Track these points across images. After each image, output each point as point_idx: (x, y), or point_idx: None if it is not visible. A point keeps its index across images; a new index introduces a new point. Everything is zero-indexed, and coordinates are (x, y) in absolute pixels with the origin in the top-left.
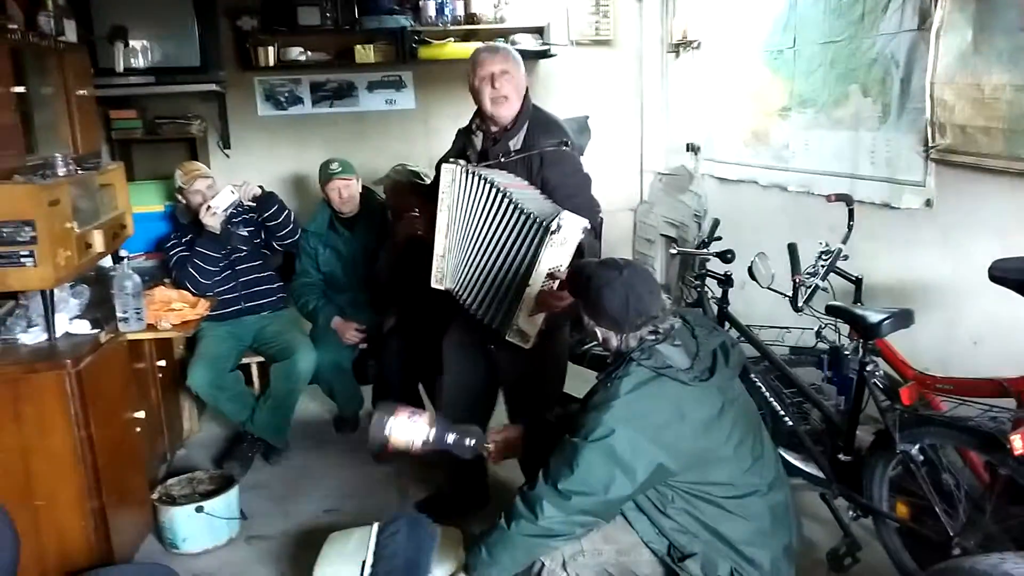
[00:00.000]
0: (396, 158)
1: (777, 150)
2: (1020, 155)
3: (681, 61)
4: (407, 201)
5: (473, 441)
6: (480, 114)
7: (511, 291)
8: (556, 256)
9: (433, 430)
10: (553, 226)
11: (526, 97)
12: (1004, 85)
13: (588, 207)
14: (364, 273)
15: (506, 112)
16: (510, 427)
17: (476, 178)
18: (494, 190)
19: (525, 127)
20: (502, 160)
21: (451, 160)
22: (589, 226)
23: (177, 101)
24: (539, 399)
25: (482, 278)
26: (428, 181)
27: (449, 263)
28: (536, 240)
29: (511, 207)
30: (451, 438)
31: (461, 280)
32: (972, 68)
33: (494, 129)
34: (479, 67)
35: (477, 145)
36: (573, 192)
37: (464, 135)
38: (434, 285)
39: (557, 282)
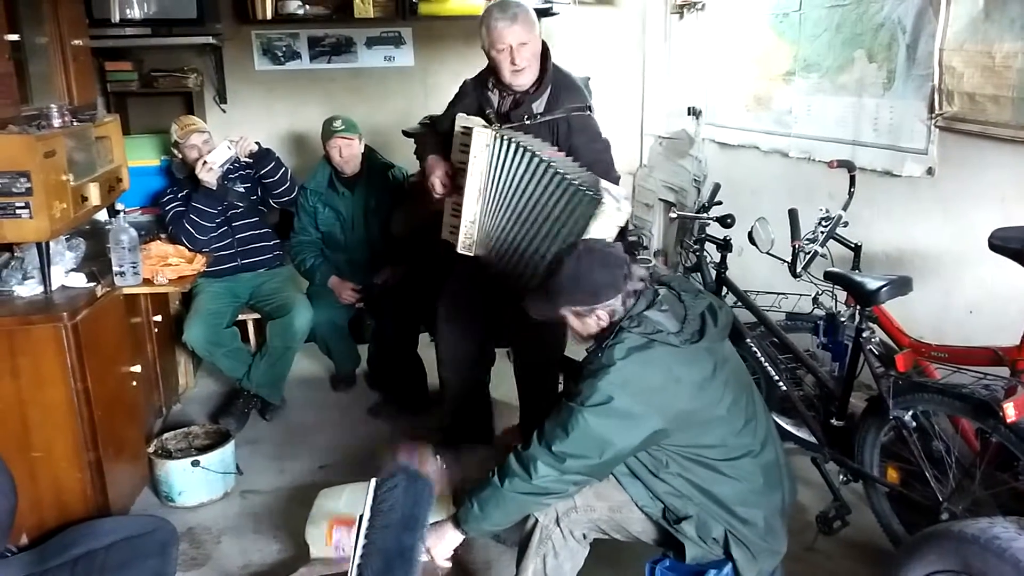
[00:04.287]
0: (394, 116)
1: (779, 115)
2: None
3: (685, 23)
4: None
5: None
6: (495, 75)
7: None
8: (602, 227)
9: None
10: (602, 197)
11: (546, 55)
12: (1016, 53)
13: (608, 172)
14: (364, 233)
15: (526, 80)
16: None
17: (514, 146)
18: (536, 160)
19: (548, 89)
20: (527, 123)
21: (491, 124)
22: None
23: (173, 54)
24: (544, 358)
25: (522, 248)
26: None
27: (480, 230)
28: (584, 211)
29: (557, 179)
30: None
31: (496, 248)
32: (983, 35)
33: (516, 91)
34: (497, 39)
35: (495, 104)
36: (596, 158)
37: (477, 90)
38: (460, 251)
39: None
